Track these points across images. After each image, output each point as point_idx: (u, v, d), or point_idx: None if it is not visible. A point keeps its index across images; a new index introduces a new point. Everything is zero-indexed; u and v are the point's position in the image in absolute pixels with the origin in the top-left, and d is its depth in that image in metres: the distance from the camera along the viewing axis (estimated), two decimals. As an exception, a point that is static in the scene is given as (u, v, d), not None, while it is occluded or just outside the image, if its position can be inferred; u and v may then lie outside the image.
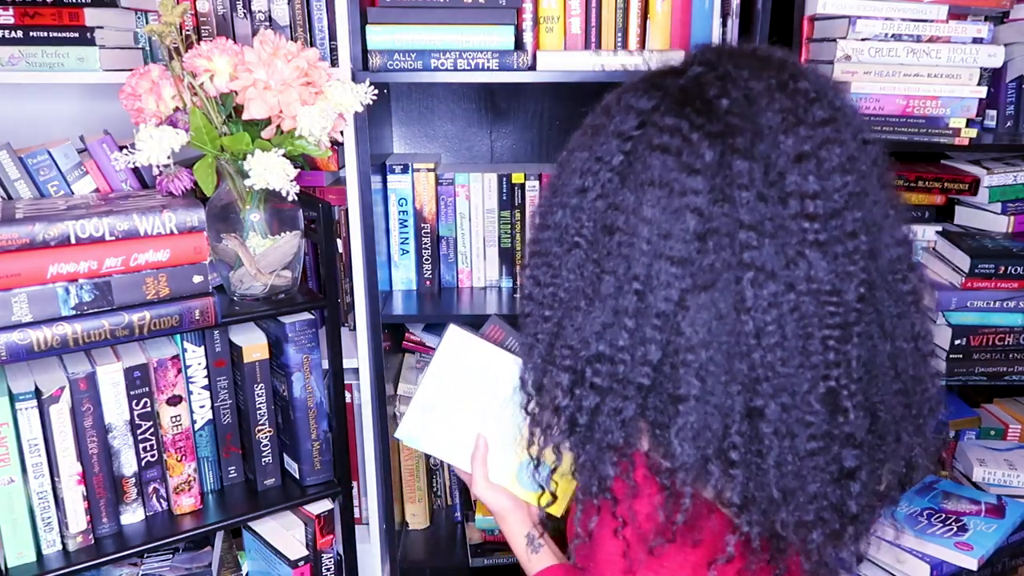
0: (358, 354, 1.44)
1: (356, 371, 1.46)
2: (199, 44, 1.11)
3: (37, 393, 1.09)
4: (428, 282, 1.56)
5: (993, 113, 1.46)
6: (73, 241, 1.04)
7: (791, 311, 0.65)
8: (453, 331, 0.94)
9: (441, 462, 1.66)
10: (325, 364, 1.30)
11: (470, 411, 0.94)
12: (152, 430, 1.19)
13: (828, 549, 0.71)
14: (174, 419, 1.20)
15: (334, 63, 1.36)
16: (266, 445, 1.28)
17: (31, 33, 1.19)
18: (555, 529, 0.95)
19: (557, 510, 0.92)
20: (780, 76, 0.68)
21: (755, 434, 0.67)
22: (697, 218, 0.65)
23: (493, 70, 1.32)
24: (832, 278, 0.65)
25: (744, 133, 0.65)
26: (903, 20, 1.33)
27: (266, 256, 1.20)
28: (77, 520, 1.14)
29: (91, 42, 1.20)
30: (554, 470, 0.82)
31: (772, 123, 0.66)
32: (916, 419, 0.74)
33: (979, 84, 1.34)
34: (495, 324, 0.99)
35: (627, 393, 0.69)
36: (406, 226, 1.52)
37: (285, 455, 1.33)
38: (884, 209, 0.70)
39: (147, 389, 1.17)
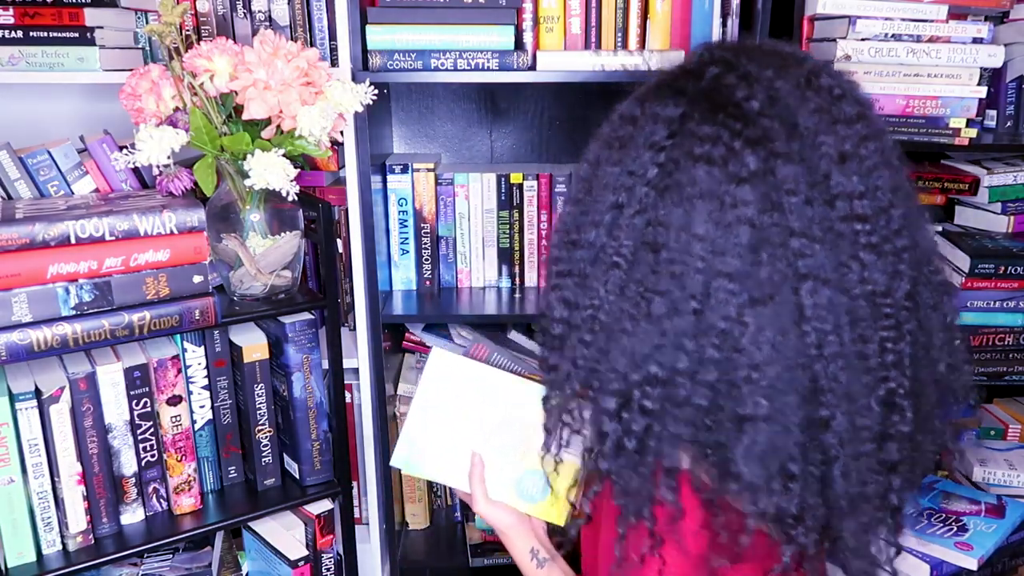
0: (358, 354, 1.44)
1: (356, 371, 1.46)
2: (199, 44, 1.11)
3: (37, 393, 1.09)
4: (428, 282, 1.56)
5: (993, 113, 1.46)
6: (73, 241, 1.04)
7: (849, 317, 0.64)
8: (437, 353, 0.94)
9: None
10: (325, 364, 1.30)
11: (463, 431, 0.93)
12: (152, 430, 1.19)
13: (877, 542, 0.70)
14: (174, 419, 1.20)
15: (334, 63, 1.36)
16: (266, 445, 1.28)
17: (31, 33, 1.19)
18: (564, 543, 0.93)
19: (560, 519, 0.92)
20: (801, 72, 0.66)
21: (817, 445, 0.65)
22: (750, 229, 0.63)
23: (493, 70, 1.32)
24: (885, 278, 0.64)
25: (782, 136, 0.64)
26: (903, 20, 1.33)
27: (266, 256, 1.20)
28: (77, 520, 1.14)
29: (91, 42, 1.20)
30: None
31: (809, 124, 0.64)
32: (948, 407, 0.74)
33: (979, 84, 1.34)
34: (479, 343, 0.99)
35: (684, 415, 0.66)
36: (406, 226, 1.52)
37: (285, 455, 1.33)
38: (914, 202, 0.69)
39: (147, 389, 1.17)
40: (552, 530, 0.94)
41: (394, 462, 0.96)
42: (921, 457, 0.73)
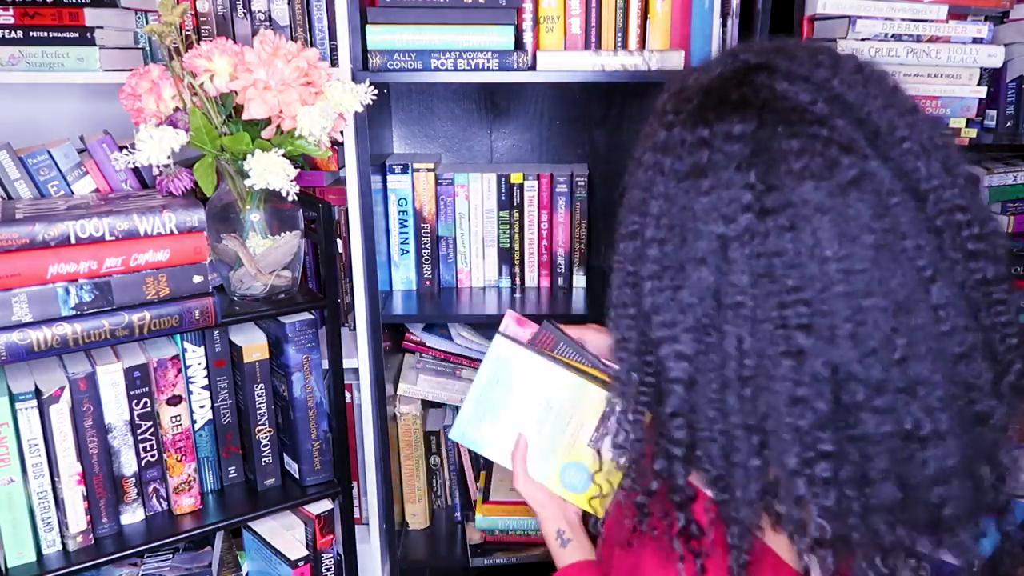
0: (358, 354, 1.44)
1: (356, 371, 1.46)
2: (199, 44, 1.11)
3: (37, 393, 1.09)
4: (428, 282, 1.56)
5: (993, 113, 1.46)
6: (73, 241, 1.04)
7: (972, 309, 0.62)
8: (500, 341, 0.98)
9: (448, 464, 1.66)
10: (325, 364, 1.30)
11: (516, 416, 0.98)
12: (152, 430, 1.19)
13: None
14: (174, 419, 1.20)
15: (334, 63, 1.36)
16: (266, 445, 1.28)
17: (31, 33, 1.19)
18: (593, 526, 0.96)
19: (599, 511, 0.95)
20: (849, 68, 0.64)
21: (980, 442, 0.64)
22: (871, 238, 0.59)
23: (493, 70, 1.32)
24: (992, 265, 0.63)
25: (863, 137, 0.62)
26: (903, 20, 1.33)
27: (266, 256, 1.20)
28: (77, 520, 1.14)
29: (91, 42, 1.21)
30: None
31: (881, 122, 0.62)
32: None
33: (979, 84, 1.34)
34: (547, 330, 1.03)
35: (875, 451, 0.61)
36: (406, 226, 1.52)
37: (285, 455, 1.33)
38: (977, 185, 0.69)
39: (147, 389, 1.17)
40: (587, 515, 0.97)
41: (452, 435, 1.01)
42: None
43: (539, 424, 0.96)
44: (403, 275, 1.55)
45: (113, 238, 1.07)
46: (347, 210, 1.43)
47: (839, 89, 0.63)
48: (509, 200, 1.53)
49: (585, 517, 0.97)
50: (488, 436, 0.99)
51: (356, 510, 1.54)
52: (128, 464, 1.18)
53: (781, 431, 0.61)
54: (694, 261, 0.63)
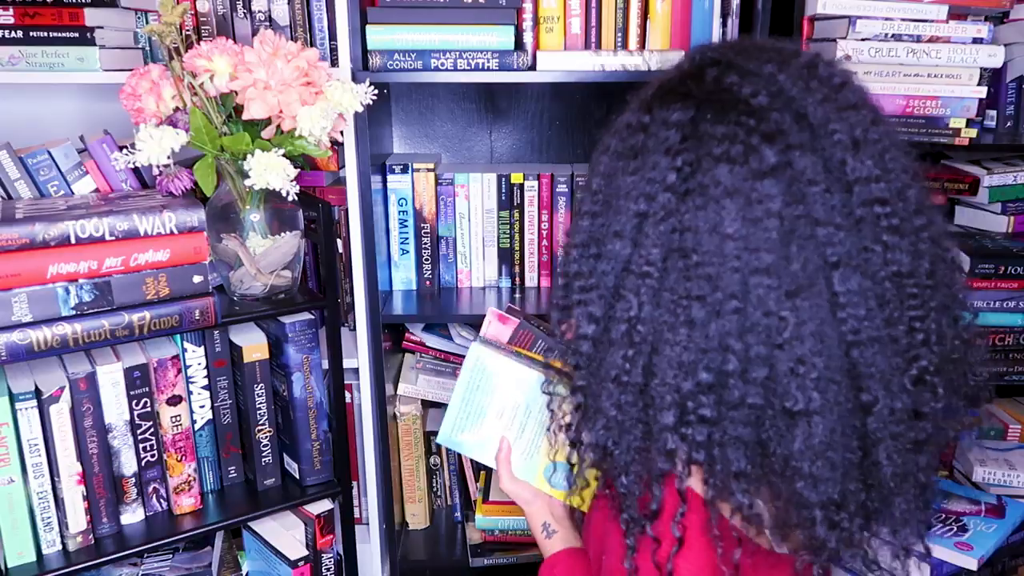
0: (358, 354, 1.44)
1: (356, 371, 1.46)
2: (199, 44, 1.11)
3: (37, 393, 1.09)
4: (428, 282, 1.56)
5: (993, 113, 1.46)
6: (73, 241, 1.04)
7: (877, 300, 0.64)
8: (475, 348, 1.00)
9: (448, 464, 1.66)
10: (325, 364, 1.30)
11: (497, 419, 1.00)
12: (152, 430, 1.19)
13: (915, 520, 0.71)
14: (174, 419, 1.20)
15: (334, 63, 1.36)
16: (266, 445, 1.28)
17: (31, 33, 1.19)
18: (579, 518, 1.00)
19: (584, 506, 0.98)
20: (801, 65, 0.67)
21: (859, 430, 0.66)
22: (778, 223, 0.63)
23: (493, 70, 1.32)
24: (908, 259, 0.65)
25: (794, 128, 0.64)
26: (903, 20, 1.33)
27: (266, 256, 1.20)
28: (77, 520, 1.14)
29: (91, 42, 1.20)
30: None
31: (818, 114, 0.65)
32: (968, 379, 0.74)
33: (979, 84, 1.34)
34: (525, 328, 1.04)
35: (741, 417, 0.66)
36: (406, 226, 1.52)
37: (285, 455, 1.33)
38: (925, 182, 0.70)
39: (147, 389, 1.17)
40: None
41: (438, 439, 1.04)
42: (942, 435, 0.73)
43: (520, 427, 0.99)
44: (403, 275, 1.55)
45: (113, 238, 1.07)
46: (347, 210, 1.43)
47: (784, 84, 0.66)
48: (509, 200, 1.53)
49: (572, 511, 0.99)
50: (473, 440, 1.02)
51: (356, 510, 1.54)
52: (128, 464, 1.18)
53: (664, 392, 0.67)
54: (614, 234, 0.69)
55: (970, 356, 0.74)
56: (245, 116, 1.10)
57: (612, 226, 0.70)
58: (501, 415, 1.00)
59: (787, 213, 0.63)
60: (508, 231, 1.55)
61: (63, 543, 1.14)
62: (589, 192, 0.74)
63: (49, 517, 1.13)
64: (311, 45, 1.38)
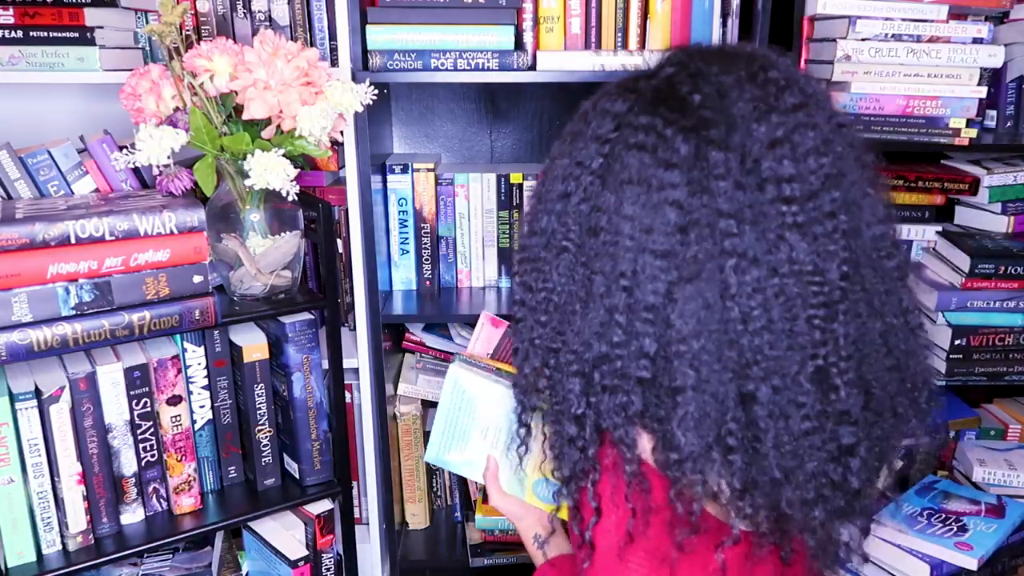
0: (358, 354, 1.44)
1: (356, 371, 1.46)
2: (199, 44, 1.11)
3: (37, 393, 1.09)
4: (428, 282, 1.56)
5: (993, 113, 1.46)
6: (73, 241, 1.04)
7: (775, 294, 0.66)
8: (453, 370, 1.01)
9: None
10: (325, 364, 1.30)
11: (481, 437, 1.01)
12: (152, 430, 1.19)
13: (834, 525, 0.72)
14: (174, 419, 1.20)
15: (334, 63, 1.36)
16: (266, 445, 1.28)
17: (31, 33, 1.19)
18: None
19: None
20: (750, 68, 0.69)
21: (750, 418, 0.68)
22: (677, 211, 0.66)
23: (493, 70, 1.32)
24: (813, 259, 0.66)
25: (717, 125, 0.67)
26: (903, 20, 1.33)
27: (266, 256, 1.20)
28: (77, 520, 1.14)
29: (91, 42, 1.20)
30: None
31: (744, 112, 0.67)
32: (911, 392, 0.76)
33: (979, 84, 1.34)
34: (510, 336, 1.04)
35: (629, 388, 0.70)
36: (406, 226, 1.52)
37: (285, 455, 1.33)
38: (863, 188, 0.71)
39: (147, 389, 1.17)
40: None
41: (426, 458, 1.05)
42: (884, 443, 0.75)
43: (505, 443, 0.99)
44: (403, 275, 1.55)
45: (113, 238, 1.07)
46: (347, 210, 1.43)
47: (725, 84, 0.68)
48: (509, 200, 1.53)
49: (564, 523, 0.99)
50: (460, 459, 1.02)
51: (356, 510, 1.54)
52: (128, 464, 1.18)
53: (571, 360, 0.73)
54: (543, 211, 0.75)
55: (911, 365, 0.75)
56: (245, 116, 1.10)
57: (544, 203, 0.76)
58: (485, 434, 1.01)
59: (689, 203, 0.66)
60: (508, 231, 1.55)
61: (63, 543, 1.14)
62: (542, 172, 0.80)
63: (49, 517, 1.13)
64: (311, 45, 1.38)
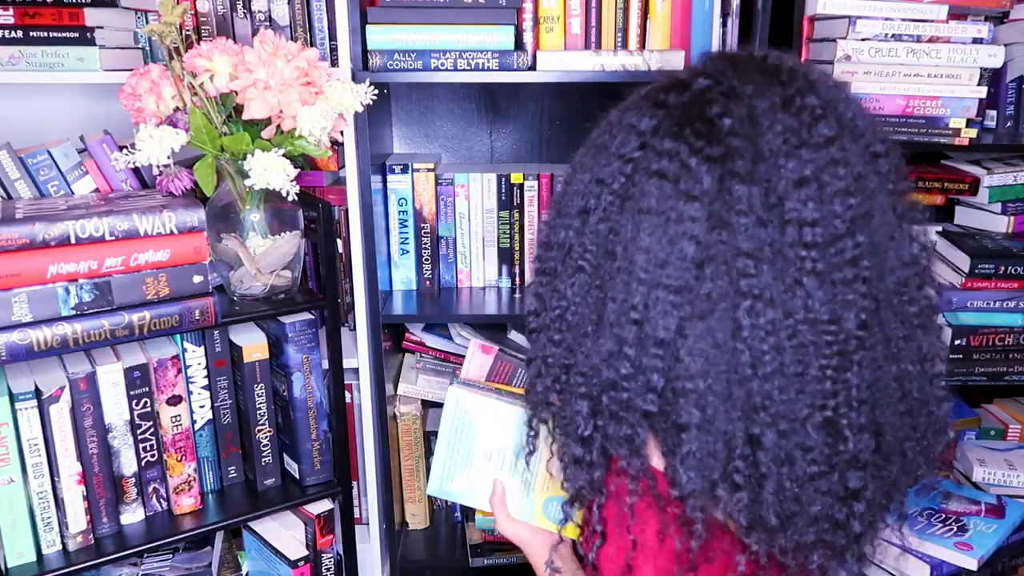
0: (358, 354, 1.44)
1: (356, 371, 1.46)
2: (199, 44, 1.11)
3: (37, 393, 1.09)
4: (428, 282, 1.56)
5: (993, 113, 1.46)
6: (73, 241, 1.04)
7: (788, 339, 0.64)
8: (453, 391, 0.97)
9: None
10: (325, 364, 1.30)
11: (486, 461, 0.97)
12: (152, 430, 1.19)
13: (832, 565, 0.71)
14: (174, 419, 1.20)
15: (334, 63, 1.36)
16: (266, 445, 1.28)
17: (31, 33, 1.19)
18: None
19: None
20: (786, 92, 0.66)
21: (755, 460, 0.66)
22: (694, 246, 0.64)
23: (493, 70, 1.32)
24: (830, 307, 0.64)
25: (744, 156, 0.64)
26: (903, 20, 1.33)
27: (266, 256, 1.20)
28: (77, 520, 1.14)
29: (91, 42, 1.20)
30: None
31: (773, 145, 0.64)
32: (922, 440, 0.73)
33: (979, 84, 1.34)
34: (503, 360, 1.01)
35: (635, 420, 0.69)
36: (406, 226, 1.52)
37: (285, 455, 1.33)
38: (892, 228, 0.68)
39: (147, 389, 1.17)
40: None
41: (429, 491, 1.00)
42: (892, 487, 0.73)
43: (511, 465, 0.96)
44: (403, 275, 1.55)
45: (113, 238, 1.07)
46: (347, 210, 1.43)
47: (758, 110, 0.65)
48: (509, 200, 1.53)
49: (574, 544, 0.96)
50: (465, 486, 0.98)
51: (356, 510, 1.54)
52: (128, 464, 1.18)
53: (580, 381, 0.72)
54: (561, 224, 0.73)
55: (923, 414, 0.72)
56: (245, 116, 1.10)
57: (563, 218, 0.73)
58: (490, 457, 0.96)
59: (708, 239, 0.64)
60: (508, 231, 1.55)
61: (63, 543, 1.14)
62: (562, 181, 0.77)
63: (49, 517, 1.13)
64: (311, 45, 1.38)
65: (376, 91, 1.18)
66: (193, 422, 1.23)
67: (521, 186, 1.53)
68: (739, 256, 0.63)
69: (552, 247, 0.74)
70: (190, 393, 1.22)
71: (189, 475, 1.23)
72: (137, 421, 1.17)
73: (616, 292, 0.68)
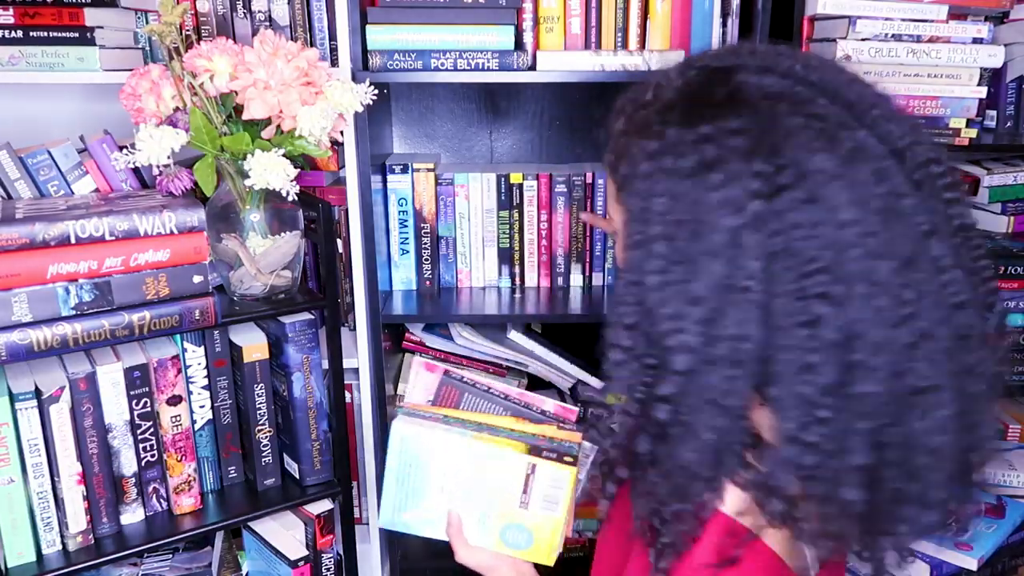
0: (358, 354, 1.44)
1: (356, 371, 1.46)
2: (199, 44, 1.11)
3: (37, 393, 1.09)
4: (428, 282, 1.56)
5: (993, 113, 1.46)
6: (73, 241, 1.04)
7: (955, 258, 0.64)
8: (397, 427, 0.94)
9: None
10: (325, 364, 1.30)
11: (438, 492, 0.95)
12: (152, 430, 1.19)
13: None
14: (174, 419, 1.20)
15: (334, 63, 1.36)
16: (266, 445, 1.28)
17: (31, 33, 1.19)
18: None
19: (549, 560, 0.94)
20: (803, 56, 0.68)
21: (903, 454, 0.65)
22: (877, 202, 0.61)
23: (493, 70, 1.32)
24: (963, 209, 0.67)
25: (842, 112, 0.64)
26: (903, 20, 1.33)
27: (266, 256, 1.20)
28: (77, 520, 1.14)
29: (91, 42, 1.20)
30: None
31: (850, 93, 0.65)
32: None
33: (979, 84, 1.34)
34: (448, 383, 0.99)
35: (862, 408, 0.63)
36: (406, 226, 1.52)
37: (285, 455, 1.33)
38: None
39: (147, 389, 1.17)
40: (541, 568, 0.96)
41: (381, 523, 0.98)
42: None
43: (464, 495, 0.93)
44: (403, 275, 1.55)
45: (113, 238, 1.07)
46: (347, 210, 1.43)
47: (803, 73, 0.66)
48: (509, 200, 1.53)
49: (537, 566, 0.95)
50: (417, 518, 0.96)
51: (356, 510, 1.54)
52: (128, 464, 1.18)
53: (785, 399, 0.63)
54: (705, 254, 0.63)
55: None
56: (245, 116, 1.10)
57: (702, 246, 0.63)
58: (443, 488, 0.93)
59: (879, 190, 0.62)
60: (508, 231, 1.55)
61: (63, 543, 1.14)
62: (653, 216, 0.65)
63: (49, 517, 1.13)
64: (311, 45, 1.38)
65: (376, 91, 1.18)
66: (193, 422, 1.23)
67: (521, 186, 1.53)
68: (901, 198, 0.62)
69: (692, 283, 0.64)
70: (190, 393, 1.22)
71: (189, 475, 1.23)
72: (137, 421, 1.17)
73: (818, 284, 0.61)
